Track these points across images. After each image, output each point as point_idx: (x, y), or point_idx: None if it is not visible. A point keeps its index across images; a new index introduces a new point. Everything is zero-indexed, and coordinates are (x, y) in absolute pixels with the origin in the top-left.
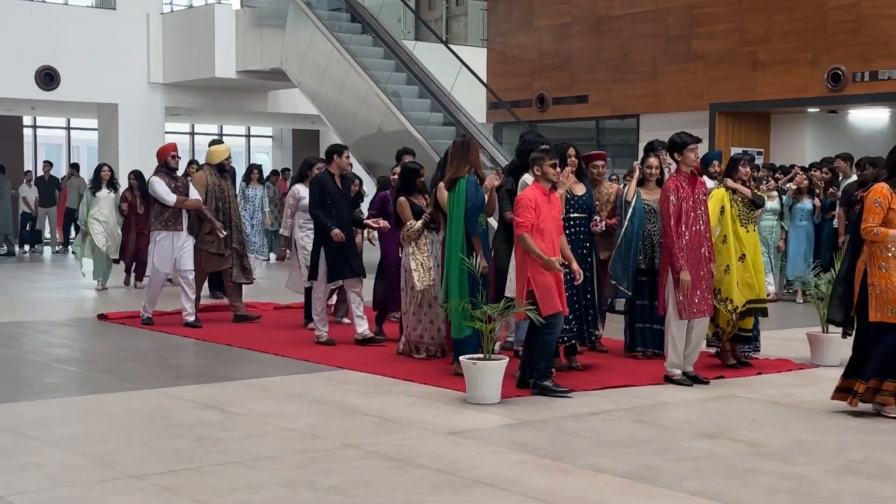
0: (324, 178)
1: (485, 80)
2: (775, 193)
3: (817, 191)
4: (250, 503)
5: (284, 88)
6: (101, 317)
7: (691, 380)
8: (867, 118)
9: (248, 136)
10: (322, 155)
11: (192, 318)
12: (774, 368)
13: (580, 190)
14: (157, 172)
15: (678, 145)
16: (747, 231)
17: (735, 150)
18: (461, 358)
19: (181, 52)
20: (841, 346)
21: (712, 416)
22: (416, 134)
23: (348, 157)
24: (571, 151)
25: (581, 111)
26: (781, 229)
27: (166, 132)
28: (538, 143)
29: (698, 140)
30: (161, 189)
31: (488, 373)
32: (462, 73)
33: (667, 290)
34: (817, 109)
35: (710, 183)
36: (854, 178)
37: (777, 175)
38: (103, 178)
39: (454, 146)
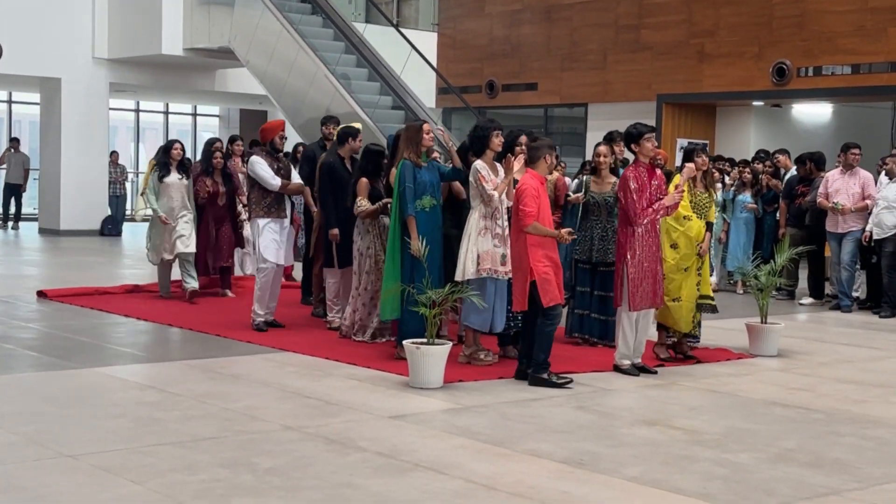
0: (333, 162)
1: (435, 65)
2: (718, 185)
3: (759, 185)
4: (188, 484)
5: (232, 67)
6: (41, 294)
7: (639, 370)
8: (811, 113)
9: (195, 114)
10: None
11: (262, 320)
12: (713, 358)
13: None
14: (257, 151)
15: (634, 136)
16: (699, 219)
17: (681, 142)
18: (404, 342)
19: (127, 28)
20: (778, 337)
21: (652, 404)
22: (364, 117)
23: (361, 140)
24: (523, 139)
25: (530, 98)
26: (724, 221)
27: (111, 108)
28: (489, 130)
29: (653, 129)
30: (263, 171)
31: (431, 357)
32: (412, 58)
33: (621, 283)
34: (762, 103)
35: None
36: (794, 171)
37: (723, 166)
38: (174, 158)
39: (405, 129)
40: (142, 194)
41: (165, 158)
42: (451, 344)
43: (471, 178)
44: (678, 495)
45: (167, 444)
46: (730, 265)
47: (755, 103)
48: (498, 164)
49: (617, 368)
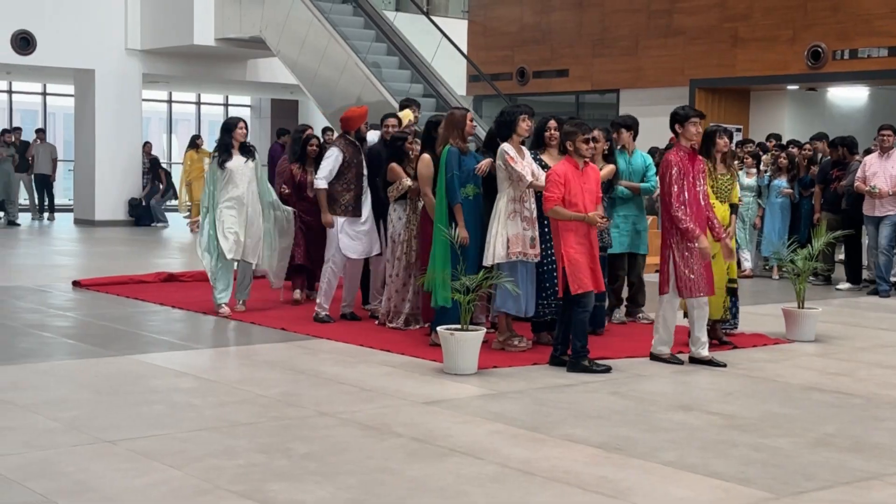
0: (379, 149)
1: (465, 53)
2: (754, 170)
3: (795, 169)
4: (225, 469)
5: (263, 57)
6: (76, 283)
7: (707, 363)
8: (846, 96)
9: (227, 104)
10: (300, 123)
11: (325, 313)
12: (750, 343)
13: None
14: (339, 142)
15: (680, 117)
16: (722, 203)
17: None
18: (438, 328)
19: (159, 19)
20: (815, 322)
21: (687, 389)
22: (395, 105)
23: (393, 124)
24: (552, 124)
25: (561, 85)
26: (758, 206)
27: (143, 99)
28: (516, 114)
29: (701, 115)
30: (324, 166)
31: (465, 343)
32: (443, 45)
33: (667, 268)
34: (797, 87)
35: None
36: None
37: (754, 149)
38: (237, 139)
39: (449, 115)
40: (187, 184)
41: (228, 139)
42: (484, 330)
43: (498, 161)
44: (716, 479)
45: (204, 430)
46: (765, 251)
47: (790, 87)
48: (524, 149)
49: (655, 357)
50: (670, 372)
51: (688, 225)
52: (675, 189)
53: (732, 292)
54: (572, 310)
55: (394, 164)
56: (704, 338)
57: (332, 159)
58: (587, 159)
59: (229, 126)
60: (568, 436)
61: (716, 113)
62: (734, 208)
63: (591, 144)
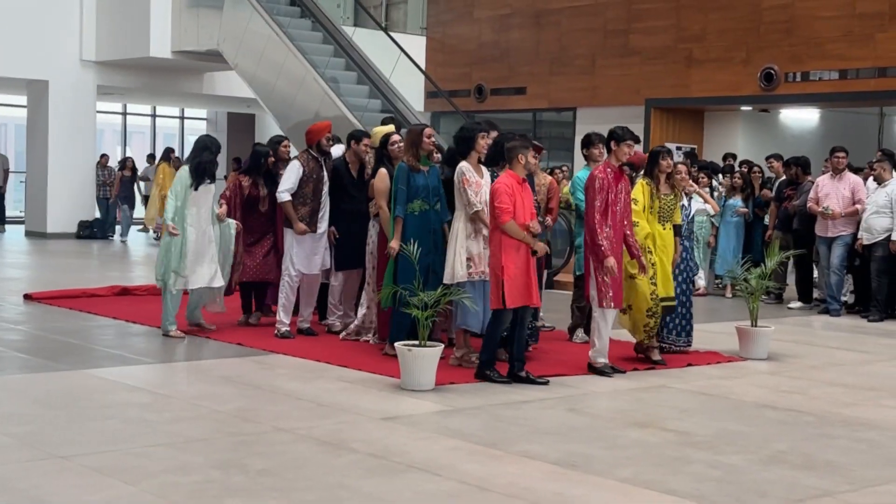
0: (339, 165)
1: (424, 69)
2: (707, 190)
3: (750, 189)
4: (181, 485)
5: (220, 70)
6: (27, 296)
7: (612, 370)
8: (798, 118)
9: (183, 117)
10: (258, 140)
11: (286, 329)
12: (704, 360)
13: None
14: (301, 155)
15: (617, 136)
16: (664, 228)
17: (669, 146)
18: (396, 344)
19: (115, 30)
20: (768, 340)
21: (643, 406)
22: (353, 120)
23: (366, 144)
24: (493, 134)
25: (519, 103)
26: (712, 225)
27: (98, 111)
28: (475, 131)
29: (637, 139)
30: (286, 179)
31: (423, 359)
32: (401, 61)
33: (591, 282)
34: (750, 108)
35: None
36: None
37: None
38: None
39: (407, 133)
40: (162, 197)
41: (212, 160)
42: (442, 346)
43: (455, 180)
44: (671, 496)
45: (159, 446)
46: (719, 269)
47: (743, 108)
48: (483, 167)
49: (592, 367)
50: (627, 388)
51: (601, 242)
52: (598, 203)
53: (669, 311)
54: (491, 323)
55: (374, 181)
56: (599, 346)
57: (293, 172)
58: (527, 174)
59: (215, 149)
60: (525, 452)
61: (670, 132)
62: (678, 230)
63: (537, 158)
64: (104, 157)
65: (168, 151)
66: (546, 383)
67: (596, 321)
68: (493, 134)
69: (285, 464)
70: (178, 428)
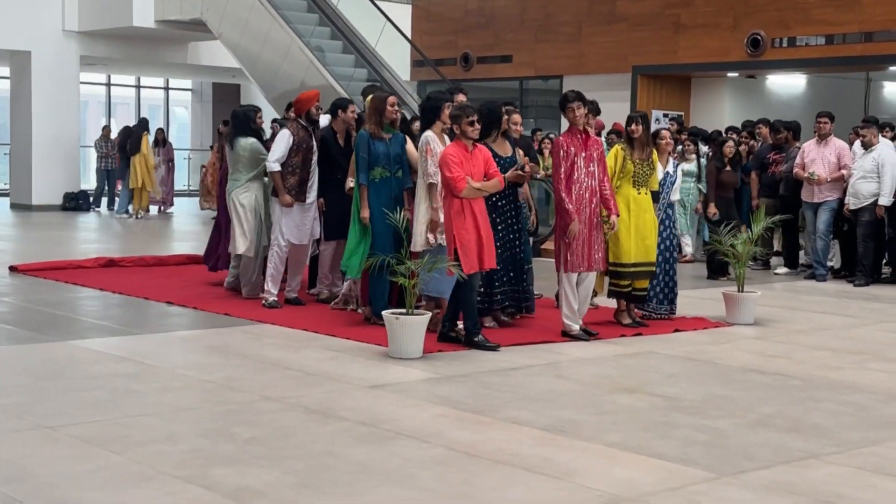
0: (326, 135)
1: (409, 38)
2: (693, 156)
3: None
4: (168, 454)
5: (205, 40)
6: (13, 269)
7: (586, 334)
8: (785, 84)
9: (167, 88)
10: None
11: (273, 299)
12: (691, 326)
13: (506, 150)
14: (291, 125)
15: (561, 102)
16: (639, 192)
17: (656, 112)
18: (384, 313)
19: None
20: (755, 305)
21: (630, 372)
22: (339, 89)
23: (353, 111)
24: (460, 98)
25: (505, 71)
26: (699, 192)
27: (81, 82)
28: (442, 101)
29: (582, 99)
30: (276, 148)
31: (410, 327)
32: (387, 30)
33: (558, 246)
34: (737, 74)
35: None
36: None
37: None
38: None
39: (371, 100)
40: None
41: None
42: (429, 314)
43: (419, 149)
44: (659, 460)
45: (146, 416)
46: (706, 235)
47: (730, 74)
48: (447, 137)
49: (565, 334)
50: (613, 354)
51: (568, 207)
52: (563, 169)
53: (648, 275)
54: (462, 290)
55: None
56: (583, 310)
57: (283, 141)
58: (475, 141)
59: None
60: (513, 419)
61: (658, 99)
62: (655, 196)
63: (477, 126)
64: (106, 128)
65: (145, 122)
66: (496, 349)
67: (562, 286)
68: (460, 97)
69: (273, 433)
70: (165, 398)
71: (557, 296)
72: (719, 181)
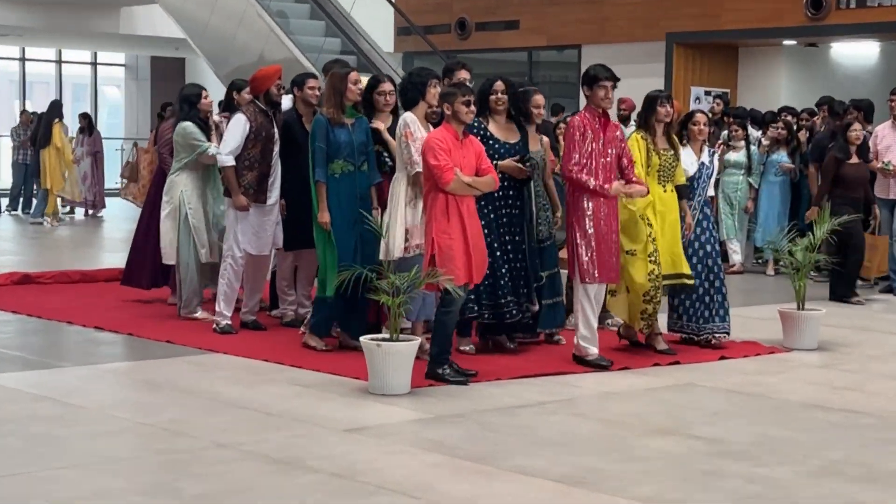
0: (289, 119)
1: (393, 0)
2: (742, 143)
3: (795, 140)
4: None
5: (141, 5)
6: None
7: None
8: (853, 53)
9: (95, 63)
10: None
11: (227, 322)
12: (740, 352)
13: (513, 136)
14: (246, 109)
15: (589, 78)
16: (665, 191)
17: (696, 90)
18: (362, 339)
19: None
20: (818, 326)
21: (666, 409)
22: (306, 63)
23: (312, 87)
24: (499, 86)
25: (510, 40)
26: (750, 187)
27: None
28: (426, 78)
29: (614, 78)
30: (229, 136)
31: (395, 357)
32: None
33: (574, 252)
34: (794, 42)
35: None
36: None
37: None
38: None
39: (329, 77)
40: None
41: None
42: (419, 341)
43: (398, 133)
44: None
45: (71, 468)
46: (759, 241)
47: (786, 42)
48: (430, 126)
49: (580, 360)
50: (644, 388)
51: (589, 181)
52: (576, 156)
53: (685, 289)
54: (439, 307)
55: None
56: (587, 332)
57: (237, 129)
58: (466, 128)
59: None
60: (521, 468)
61: (698, 74)
62: (682, 192)
63: (472, 109)
64: (25, 114)
65: (58, 106)
66: (465, 383)
67: (579, 301)
68: (462, 74)
69: (228, 487)
70: (94, 445)
71: (566, 311)
72: (840, 176)
